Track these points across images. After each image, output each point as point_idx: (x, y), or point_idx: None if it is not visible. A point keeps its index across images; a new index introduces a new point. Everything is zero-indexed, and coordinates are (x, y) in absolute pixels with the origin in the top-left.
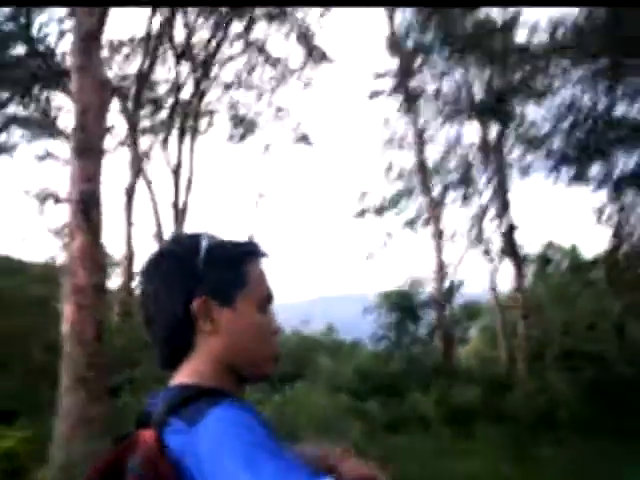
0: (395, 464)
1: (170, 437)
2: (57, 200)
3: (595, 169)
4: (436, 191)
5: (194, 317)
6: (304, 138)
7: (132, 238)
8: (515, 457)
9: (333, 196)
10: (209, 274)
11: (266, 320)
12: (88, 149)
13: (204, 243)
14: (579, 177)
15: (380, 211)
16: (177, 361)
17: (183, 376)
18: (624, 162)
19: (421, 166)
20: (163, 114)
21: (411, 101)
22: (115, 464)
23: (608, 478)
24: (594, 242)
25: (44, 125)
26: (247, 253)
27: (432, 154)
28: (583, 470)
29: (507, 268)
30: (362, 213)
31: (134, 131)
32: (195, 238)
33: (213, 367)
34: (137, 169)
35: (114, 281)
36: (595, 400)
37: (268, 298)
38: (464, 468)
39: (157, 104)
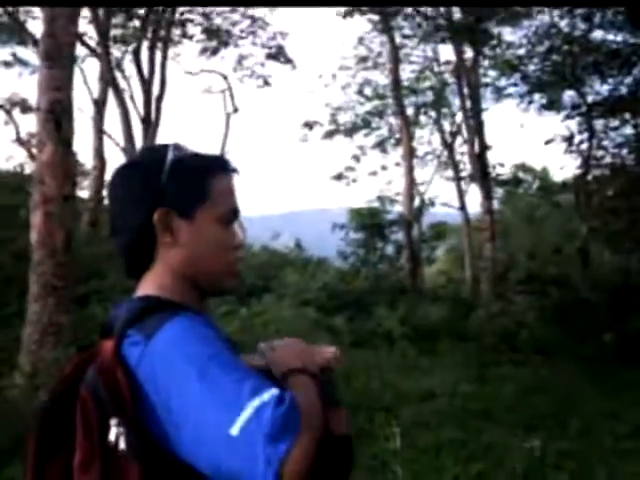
0: (360, 378)
1: (128, 348)
2: (25, 108)
3: (567, 96)
4: (409, 111)
5: (155, 228)
6: (280, 50)
7: (103, 148)
8: (475, 376)
9: (305, 114)
10: (171, 186)
11: (227, 234)
12: (58, 57)
13: (170, 155)
14: (552, 104)
15: (350, 132)
16: (141, 271)
17: (146, 287)
18: (597, 89)
19: (395, 85)
20: (135, 23)
21: (387, 19)
22: (76, 373)
23: (561, 396)
24: (564, 168)
25: (12, 30)
26: (212, 167)
27: (406, 74)
28: (538, 389)
29: (477, 189)
30: (331, 134)
31: (105, 40)
32: (162, 150)
33: (174, 279)
34: (107, 79)
35: (84, 190)
36: (557, 323)
37: (232, 213)
38: (426, 384)
39: (129, 12)
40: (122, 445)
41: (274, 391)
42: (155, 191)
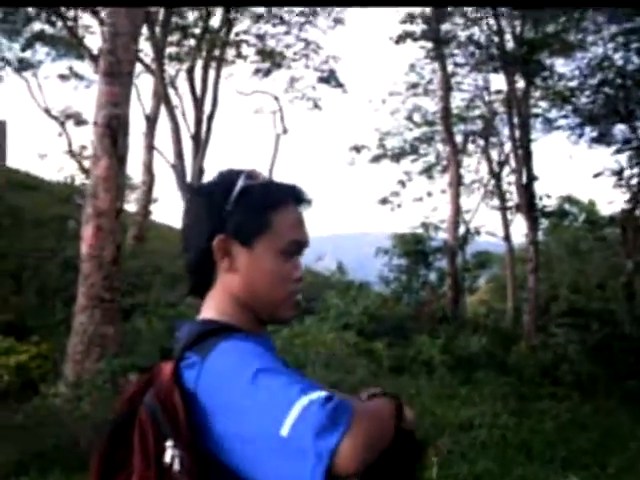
0: None
1: (186, 371)
2: (79, 121)
3: (618, 130)
4: (457, 139)
5: (214, 253)
6: (332, 74)
7: (153, 164)
8: (515, 408)
9: (353, 138)
10: (235, 215)
11: (286, 267)
12: (117, 73)
13: (240, 184)
14: (602, 137)
15: (398, 157)
16: (203, 290)
17: (207, 311)
18: None
19: (445, 112)
20: (190, 42)
21: (440, 46)
22: (137, 395)
23: (602, 434)
24: (611, 203)
25: (69, 44)
26: (279, 199)
27: (456, 102)
28: (578, 425)
29: (522, 220)
30: (378, 158)
31: (160, 57)
32: (234, 177)
33: (233, 304)
34: (160, 96)
35: (131, 204)
36: (599, 358)
37: (295, 245)
38: (464, 414)
39: (185, 31)
40: (176, 466)
41: (323, 392)
42: (218, 217)
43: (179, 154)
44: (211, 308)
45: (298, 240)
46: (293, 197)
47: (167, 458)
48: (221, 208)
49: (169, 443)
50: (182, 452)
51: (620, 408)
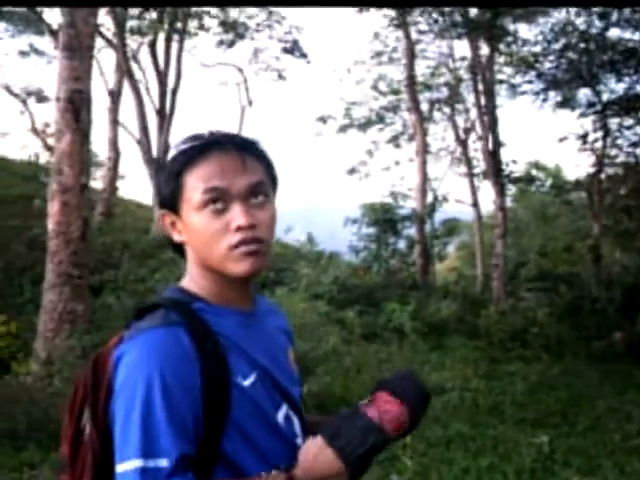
0: (370, 371)
1: (121, 345)
2: (40, 98)
3: (583, 94)
4: (423, 107)
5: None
6: (295, 44)
7: (118, 139)
8: (485, 372)
9: (319, 108)
10: (162, 188)
11: (214, 222)
12: (77, 47)
13: (169, 156)
14: (566, 102)
15: (364, 126)
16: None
17: (185, 277)
18: (612, 88)
19: (410, 80)
20: (152, 15)
21: (404, 14)
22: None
23: (571, 394)
24: (578, 166)
25: (29, 20)
26: (187, 160)
27: (421, 69)
28: (548, 386)
29: (490, 186)
30: (345, 128)
31: (122, 31)
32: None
33: (197, 271)
34: (123, 70)
35: (97, 181)
36: (567, 321)
37: (215, 193)
38: (436, 379)
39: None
40: (87, 430)
41: (163, 463)
42: (158, 193)
43: (144, 129)
44: (187, 274)
45: (214, 187)
46: (216, 147)
47: (84, 422)
48: (157, 183)
49: (86, 409)
50: (91, 421)
51: (587, 368)
